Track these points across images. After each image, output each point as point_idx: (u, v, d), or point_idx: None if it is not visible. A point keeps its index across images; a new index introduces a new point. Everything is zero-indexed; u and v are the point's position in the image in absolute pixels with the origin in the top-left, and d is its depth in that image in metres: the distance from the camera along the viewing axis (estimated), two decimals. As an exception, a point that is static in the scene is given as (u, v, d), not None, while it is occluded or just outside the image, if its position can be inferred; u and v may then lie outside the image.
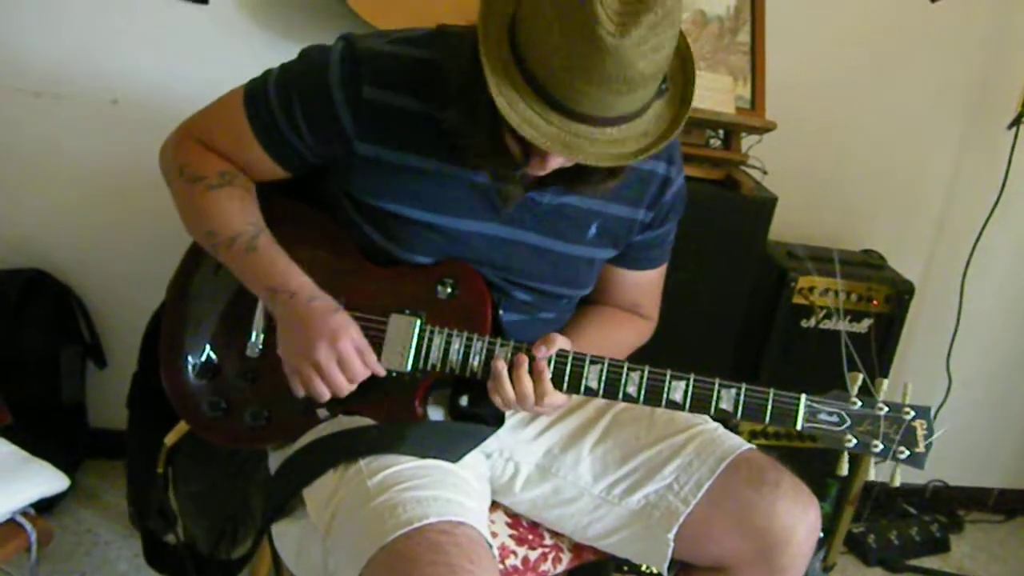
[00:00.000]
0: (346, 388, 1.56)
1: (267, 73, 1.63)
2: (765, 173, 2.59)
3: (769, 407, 1.55)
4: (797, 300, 2.66)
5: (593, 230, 1.68)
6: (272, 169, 1.66)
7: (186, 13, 2.48)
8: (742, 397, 1.55)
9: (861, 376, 1.57)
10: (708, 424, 1.76)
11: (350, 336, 1.55)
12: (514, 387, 1.55)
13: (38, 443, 1.90)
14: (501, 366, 1.56)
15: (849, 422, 1.55)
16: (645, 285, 1.86)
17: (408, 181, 1.58)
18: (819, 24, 2.83)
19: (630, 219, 1.71)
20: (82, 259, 2.68)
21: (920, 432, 1.55)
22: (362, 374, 1.57)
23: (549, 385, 1.55)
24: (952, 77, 2.99)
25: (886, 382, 1.58)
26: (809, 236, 2.87)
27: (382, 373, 1.59)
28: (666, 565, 1.67)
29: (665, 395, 1.56)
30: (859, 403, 1.56)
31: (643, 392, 1.56)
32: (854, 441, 1.55)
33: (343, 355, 1.54)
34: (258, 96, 1.62)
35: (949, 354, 3.07)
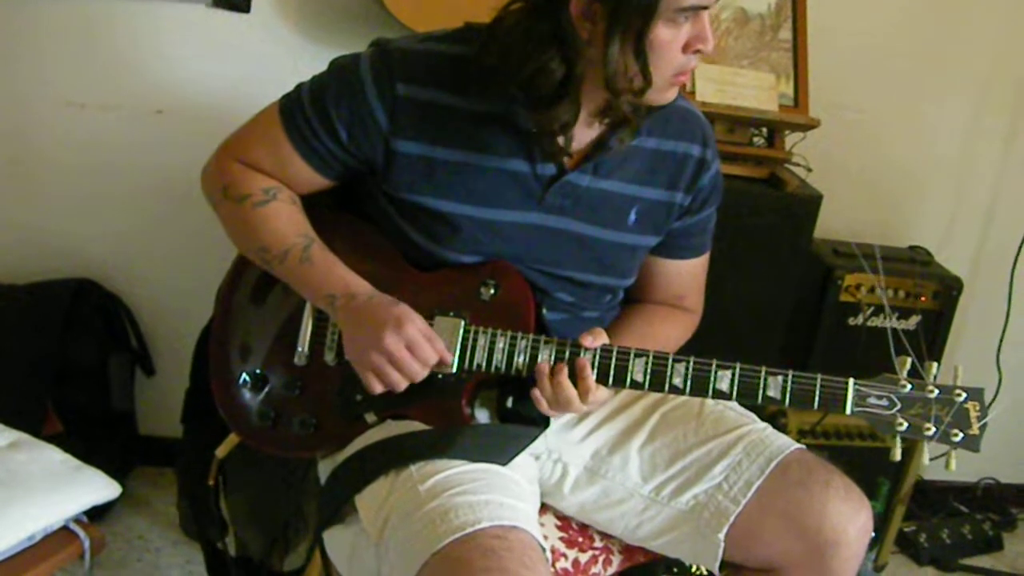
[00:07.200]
0: (420, 373, 1.56)
1: (299, 86, 1.65)
2: (809, 170, 2.57)
3: (817, 392, 1.53)
4: (844, 298, 2.64)
5: (633, 216, 1.69)
6: (313, 179, 1.67)
7: (228, 22, 2.50)
8: (789, 383, 1.54)
9: (910, 360, 1.54)
10: (757, 424, 1.74)
11: (414, 322, 1.55)
12: (555, 393, 1.55)
13: (88, 451, 1.92)
14: (543, 368, 1.56)
15: (900, 405, 1.52)
16: (689, 276, 1.86)
17: (447, 175, 1.60)
18: (861, 19, 2.80)
19: (668, 202, 1.71)
20: (129, 267, 2.70)
21: (973, 414, 1.51)
22: (432, 357, 1.56)
23: (592, 382, 1.55)
24: (999, 69, 2.94)
25: (936, 365, 1.55)
26: (855, 233, 2.84)
27: (450, 359, 1.59)
28: (717, 565, 1.66)
29: (712, 385, 1.55)
30: (909, 386, 1.53)
31: (689, 383, 1.56)
32: (905, 424, 1.52)
33: (411, 339, 1.54)
34: (293, 107, 1.63)
35: (999, 349, 3.03)
